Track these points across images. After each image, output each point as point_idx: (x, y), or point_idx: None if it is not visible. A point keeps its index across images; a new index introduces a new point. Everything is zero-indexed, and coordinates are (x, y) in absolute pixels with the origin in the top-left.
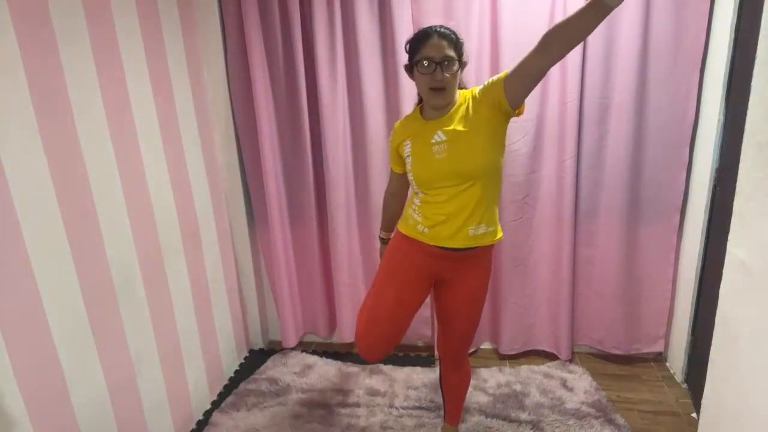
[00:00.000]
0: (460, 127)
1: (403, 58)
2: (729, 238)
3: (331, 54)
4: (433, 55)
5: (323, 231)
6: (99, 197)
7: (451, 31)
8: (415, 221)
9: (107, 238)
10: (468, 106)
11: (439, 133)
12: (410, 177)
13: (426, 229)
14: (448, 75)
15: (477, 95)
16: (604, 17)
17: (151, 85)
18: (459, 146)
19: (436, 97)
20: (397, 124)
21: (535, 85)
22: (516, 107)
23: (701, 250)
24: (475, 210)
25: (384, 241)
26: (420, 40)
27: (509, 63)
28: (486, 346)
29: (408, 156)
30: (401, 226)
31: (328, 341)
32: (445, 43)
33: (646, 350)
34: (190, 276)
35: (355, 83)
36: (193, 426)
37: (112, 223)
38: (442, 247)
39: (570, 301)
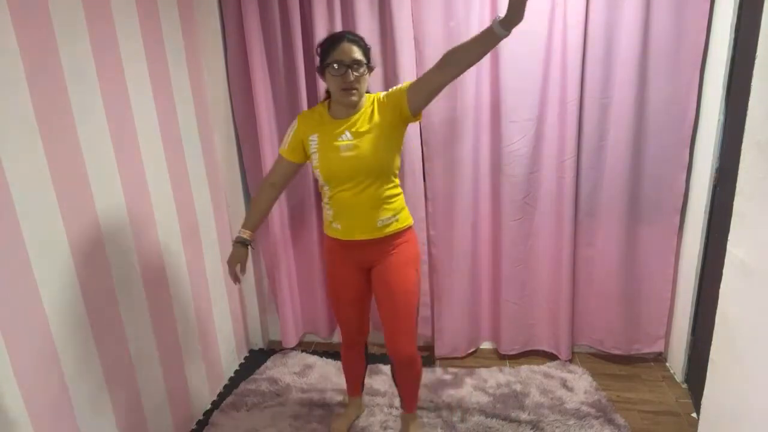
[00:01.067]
0: (365, 128)
1: (404, 58)
2: (729, 238)
3: None
4: (343, 58)
5: (323, 231)
6: (99, 197)
7: (359, 37)
8: (329, 222)
9: (107, 238)
10: (374, 110)
11: (347, 133)
12: (317, 173)
13: (339, 226)
14: (358, 76)
15: (382, 99)
16: (495, 45)
17: (151, 85)
18: (364, 146)
19: (347, 97)
20: (304, 113)
21: (434, 96)
22: (416, 114)
23: (701, 250)
24: (378, 203)
25: (242, 244)
26: (331, 44)
27: (508, 64)
28: (486, 346)
29: (315, 152)
30: (325, 229)
31: (328, 341)
32: (354, 47)
33: (646, 350)
34: (190, 276)
35: None
36: (193, 426)
37: (112, 222)
38: (356, 240)
39: (570, 301)
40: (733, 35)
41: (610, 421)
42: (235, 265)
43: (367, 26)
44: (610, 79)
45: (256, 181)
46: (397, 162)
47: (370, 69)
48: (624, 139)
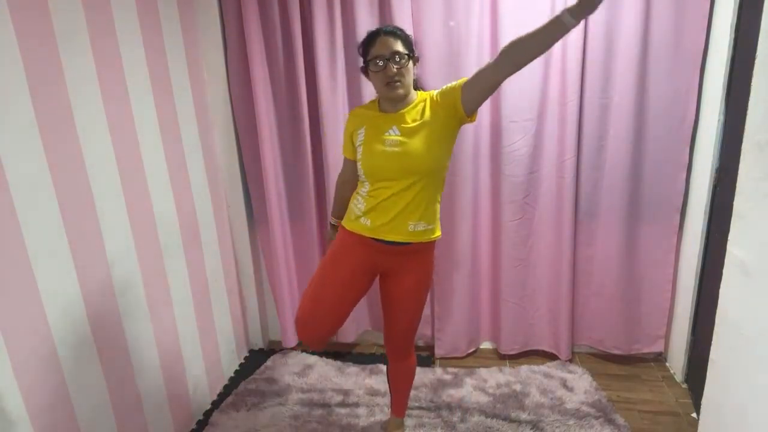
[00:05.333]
0: (414, 125)
1: None
2: (729, 238)
3: (331, 54)
4: (383, 52)
5: (323, 231)
6: (99, 197)
7: (398, 28)
8: (357, 215)
9: (107, 238)
10: (425, 107)
11: (395, 128)
12: (359, 166)
13: (368, 221)
14: (399, 68)
15: (435, 97)
16: (562, 36)
17: (151, 85)
18: (412, 143)
19: (392, 90)
20: (355, 109)
21: (489, 94)
22: (470, 114)
23: (701, 250)
24: (416, 206)
25: (334, 228)
26: (369, 41)
27: None
28: (486, 346)
29: (360, 145)
30: (345, 222)
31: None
32: (392, 39)
33: (646, 350)
34: (190, 276)
35: (355, 83)
36: (193, 426)
37: (112, 223)
38: (381, 240)
39: (570, 301)
40: (733, 35)
41: (610, 421)
42: (330, 244)
43: (367, 26)
44: (610, 79)
45: (256, 181)
46: (446, 165)
47: (414, 59)
48: (624, 139)
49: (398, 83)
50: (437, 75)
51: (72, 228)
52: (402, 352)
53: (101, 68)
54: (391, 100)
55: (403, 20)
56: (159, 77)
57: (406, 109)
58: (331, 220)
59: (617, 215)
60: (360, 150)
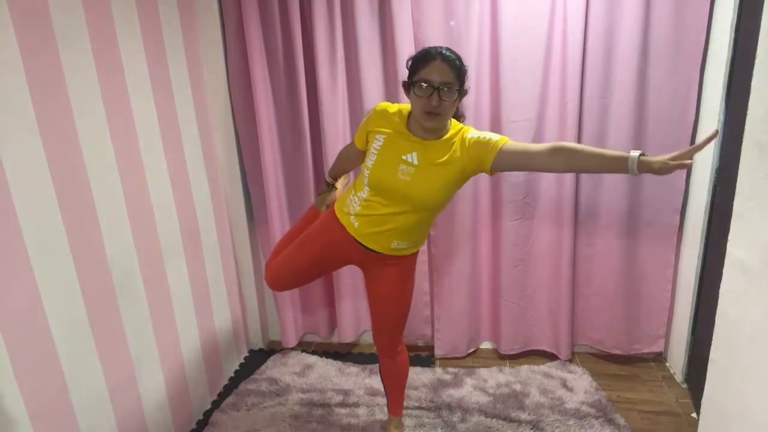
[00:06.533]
0: (435, 161)
1: (404, 58)
2: (729, 238)
3: (331, 54)
4: (433, 78)
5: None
6: (99, 197)
7: (456, 56)
8: (349, 212)
9: (107, 238)
10: (454, 147)
11: (414, 154)
12: (366, 173)
13: (357, 223)
14: (445, 101)
15: (467, 141)
16: (620, 173)
17: (151, 85)
18: (423, 178)
19: (428, 121)
20: (383, 107)
21: (521, 171)
22: (493, 173)
23: (701, 250)
24: (406, 231)
25: (329, 186)
26: (422, 60)
27: (509, 64)
28: (486, 346)
29: (374, 152)
30: (337, 210)
31: (328, 341)
32: (447, 67)
33: (646, 350)
34: (190, 276)
35: (355, 83)
36: (193, 426)
37: (112, 223)
38: (361, 244)
39: (570, 301)
40: (733, 35)
41: (610, 421)
42: (318, 198)
43: (367, 26)
44: (610, 79)
45: (256, 181)
46: (446, 203)
47: (462, 94)
48: (624, 139)
49: (438, 116)
50: None
51: (72, 228)
52: (391, 348)
53: (101, 68)
54: (423, 129)
55: (403, 20)
56: (159, 77)
57: (434, 141)
58: (327, 178)
59: (617, 215)
60: (372, 156)
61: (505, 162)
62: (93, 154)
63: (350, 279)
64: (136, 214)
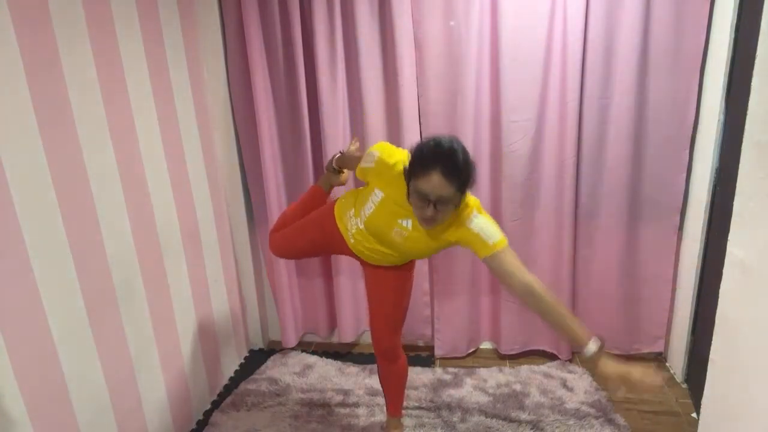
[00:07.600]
0: (429, 233)
1: (404, 58)
2: (729, 238)
3: (331, 54)
4: (429, 193)
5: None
6: (99, 197)
7: (459, 166)
8: (347, 227)
9: (107, 238)
10: (452, 226)
11: (410, 221)
12: (363, 214)
13: (353, 240)
14: (442, 211)
15: (467, 231)
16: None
17: (151, 85)
18: (416, 243)
19: (425, 226)
20: (383, 158)
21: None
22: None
23: (701, 250)
24: (401, 260)
25: (335, 170)
26: (421, 166)
27: (509, 64)
28: (486, 346)
29: (372, 204)
30: (337, 216)
31: (328, 341)
32: (447, 184)
33: (646, 350)
34: (190, 276)
35: (355, 83)
36: (193, 426)
37: (112, 223)
38: (357, 256)
39: (570, 301)
40: (733, 35)
41: (610, 421)
42: (323, 178)
43: (367, 26)
44: (610, 79)
45: (256, 181)
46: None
47: (458, 203)
48: (624, 139)
49: (435, 221)
50: (438, 75)
51: (72, 228)
52: (390, 351)
53: (101, 69)
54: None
55: (403, 20)
56: (159, 77)
57: None
58: (334, 163)
59: (617, 215)
60: (370, 206)
61: (490, 266)
62: (93, 154)
63: (350, 279)
64: (136, 214)
